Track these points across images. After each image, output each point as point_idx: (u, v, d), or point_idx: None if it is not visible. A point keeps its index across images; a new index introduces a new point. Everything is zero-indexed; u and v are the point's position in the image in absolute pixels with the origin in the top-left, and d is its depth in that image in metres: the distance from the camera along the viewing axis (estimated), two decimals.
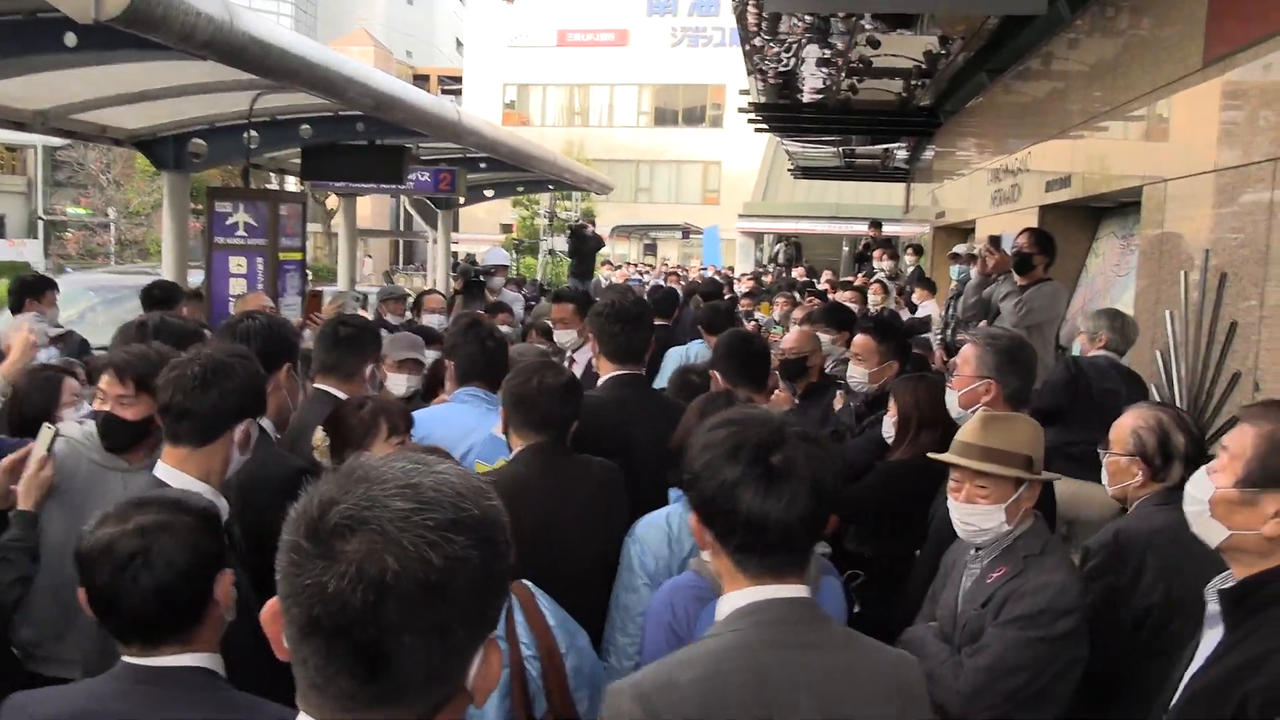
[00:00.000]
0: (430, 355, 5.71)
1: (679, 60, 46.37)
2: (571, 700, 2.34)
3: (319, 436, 2.86)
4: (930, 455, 2.78)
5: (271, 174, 12.20)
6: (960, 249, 7.57)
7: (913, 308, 10.89)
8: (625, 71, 46.95)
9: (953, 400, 3.34)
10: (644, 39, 46.80)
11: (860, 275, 14.10)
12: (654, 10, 46.83)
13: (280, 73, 5.28)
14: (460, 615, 1.05)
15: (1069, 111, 6.94)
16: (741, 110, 13.16)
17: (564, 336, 5.55)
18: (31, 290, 5.95)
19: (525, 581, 2.39)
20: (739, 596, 1.72)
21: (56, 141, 37.96)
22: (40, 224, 45.63)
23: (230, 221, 6.66)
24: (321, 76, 5.57)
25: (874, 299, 10.17)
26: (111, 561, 1.83)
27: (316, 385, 3.60)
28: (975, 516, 2.60)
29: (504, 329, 5.96)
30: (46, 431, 2.92)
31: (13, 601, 2.80)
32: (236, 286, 6.60)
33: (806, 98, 12.22)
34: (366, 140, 8.14)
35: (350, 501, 1.03)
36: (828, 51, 9.31)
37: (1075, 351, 5.14)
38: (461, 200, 12.55)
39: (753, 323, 9.49)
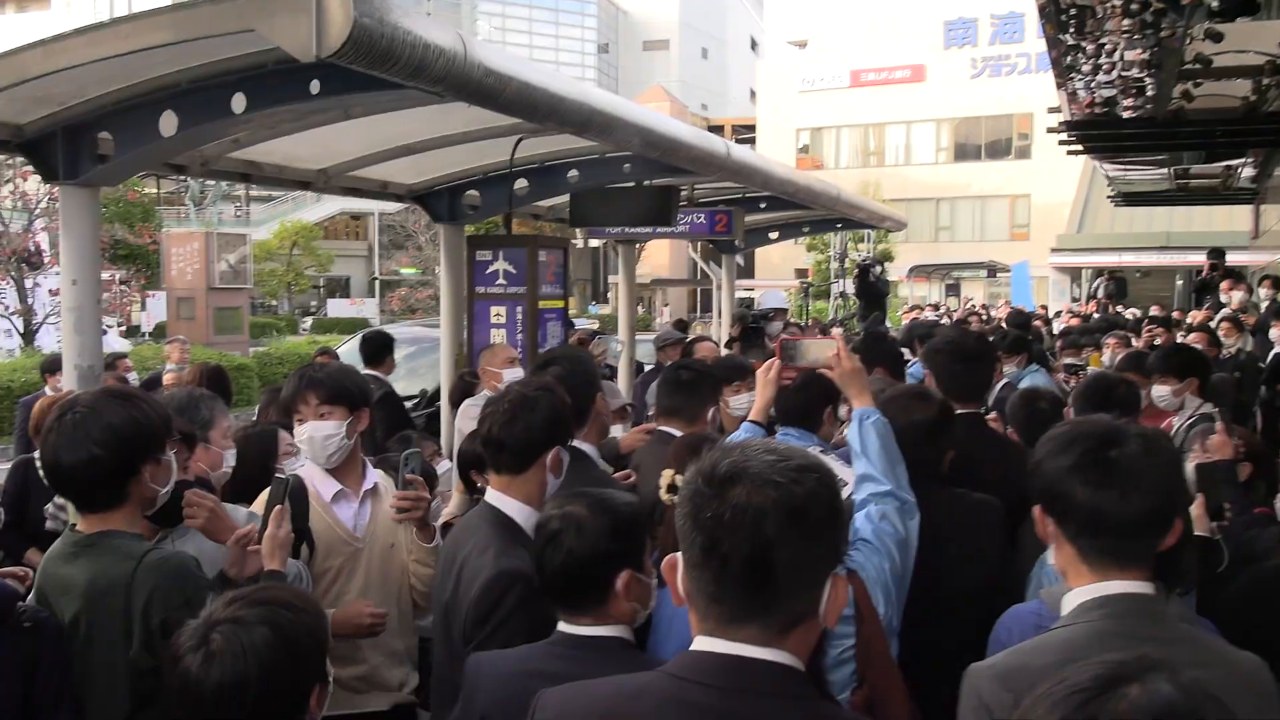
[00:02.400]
0: None
1: (980, 91, 44.15)
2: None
3: (669, 474, 2.84)
4: None
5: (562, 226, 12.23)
6: None
7: (1267, 347, 9.09)
8: (921, 107, 45.31)
9: None
10: (942, 72, 45.00)
11: (1206, 309, 12.22)
12: (952, 42, 44.98)
13: (523, 107, 4.95)
14: (816, 535, 1.45)
15: None
16: (1051, 130, 11.82)
17: None
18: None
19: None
20: (1085, 591, 1.79)
21: (391, 207, 41.87)
22: (376, 284, 50.45)
23: (490, 270, 6.47)
24: (570, 109, 5.20)
25: (1226, 340, 8.55)
26: (543, 536, 2.26)
27: (660, 428, 3.88)
28: None
29: None
30: (279, 482, 2.76)
31: None
32: (496, 336, 6.39)
33: (1128, 112, 10.73)
34: (634, 182, 7.81)
35: (732, 459, 1.47)
36: (1154, 50, 8.00)
37: None
38: (738, 243, 12.05)
39: (1074, 375, 8.19)
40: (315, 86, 4.57)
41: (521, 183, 7.79)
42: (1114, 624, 1.73)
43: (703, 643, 1.46)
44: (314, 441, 3.12)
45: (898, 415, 2.86)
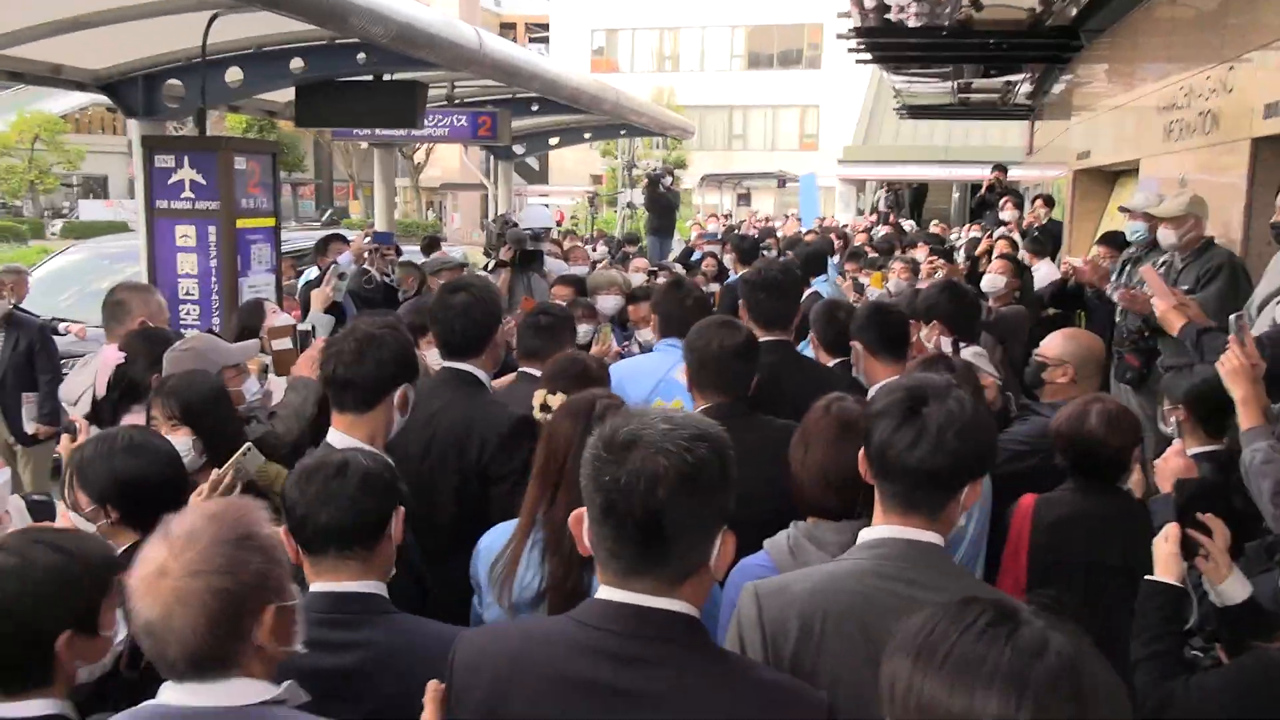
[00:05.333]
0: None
1: None
2: None
3: (554, 398, 2.87)
4: None
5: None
6: (1135, 201, 5.71)
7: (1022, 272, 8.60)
8: (718, 12, 44.59)
9: None
10: None
11: (979, 226, 12.17)
12: None
13: None
14: (706, 500, 1.56)
15: None
16: (840, 36, 11.28)
17: (645, 336, 5.73)
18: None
19: None
20: (872, 530, 1.92)
21: None
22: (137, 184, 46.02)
23: (174, 180, 5.21)
24: None
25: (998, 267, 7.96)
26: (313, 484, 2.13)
27: (521, 369, 3.98)
28: None
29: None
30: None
31: None
32: (185, 262, 5.16)
33: (914, 20, 10.29)
34: (372, 75, 6.65)
35: (631, 426, 1.57)
36: None
37: None
38: (515, 148, 11.04)
39: (858, 295, 7.65)
40: None
41: (235, 72, 6.52)
42: (880, 564, 1.84)
43: (605, 592, 1.60)
44: None
45: (708, 343, 2.99)
